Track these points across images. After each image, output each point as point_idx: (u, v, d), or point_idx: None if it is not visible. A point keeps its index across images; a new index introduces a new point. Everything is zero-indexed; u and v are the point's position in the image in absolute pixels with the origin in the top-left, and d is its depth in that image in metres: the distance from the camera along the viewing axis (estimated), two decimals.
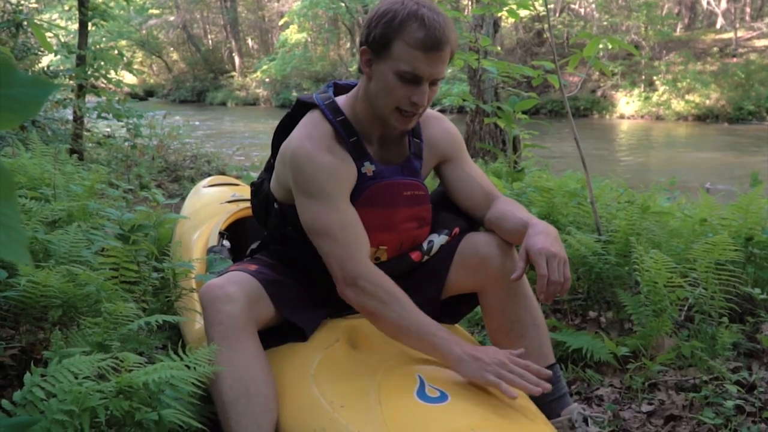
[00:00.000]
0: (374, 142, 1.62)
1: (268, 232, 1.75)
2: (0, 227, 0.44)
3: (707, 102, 18.63)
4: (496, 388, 1.36)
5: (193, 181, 5.95)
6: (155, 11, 29.98)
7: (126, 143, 6.41)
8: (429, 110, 1.76)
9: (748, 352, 2.21)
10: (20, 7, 6.01)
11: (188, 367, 1.35)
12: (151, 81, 33.62)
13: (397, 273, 1.67)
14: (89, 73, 5.93)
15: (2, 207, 0.45)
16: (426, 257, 1.68)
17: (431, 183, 1.92)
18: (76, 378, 1.26)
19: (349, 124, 1.58)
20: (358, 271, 1.47)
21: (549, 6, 3.13)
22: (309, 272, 1.65)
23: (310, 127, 1.57)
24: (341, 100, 1.62)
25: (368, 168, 1.58)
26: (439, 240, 1.68)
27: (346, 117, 1.58)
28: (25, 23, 5.67)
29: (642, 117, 19.32)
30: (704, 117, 18.41)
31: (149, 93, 30.38)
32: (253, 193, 1.80)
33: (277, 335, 1.56)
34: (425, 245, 1.68)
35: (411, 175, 1.63)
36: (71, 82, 6.03)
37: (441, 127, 1.72)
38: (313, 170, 1.50)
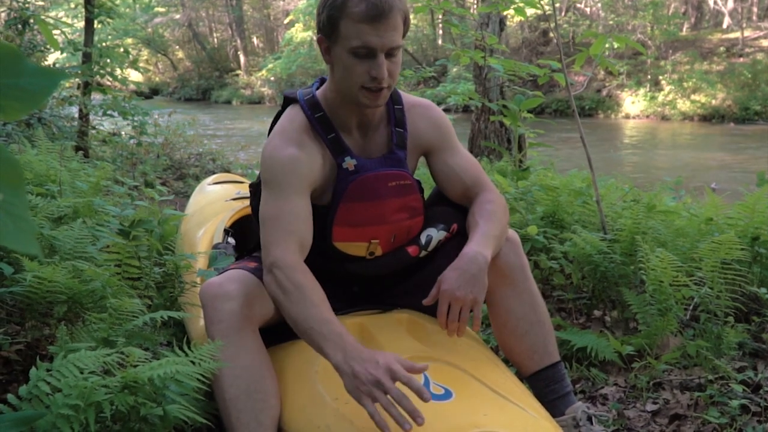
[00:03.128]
0: (354, 131, 1.59)
1: None
2: (8, 217, 0.44)
3: (713, 102, 18.54)
4: (370, 416, 1.23)
5: (198, 178, 5.97)
6: (161, 9, 29.99)
7: (131, 141, 6.42)
8: (416, 98, 1.72)
9: (754, 352, 2.21)
10: (27, 5, 6.02)
11: (193, 362, 1.36)
12: (157, 79, 33.64)
13: (397, 268, 1.66)
14: (95, 70, 5.95)
15: (10, 197, 0.44)
16: (424, 252, 1.66)
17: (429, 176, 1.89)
18: (82, 373, 1.27)
19: (327, 119, 1.56)
20: (274, 258, 1.42)
21: (555, 5, 3.12)
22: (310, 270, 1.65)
23: (285, 121, 1.57)
24: (319, 93, 1.60)
25: (349, 163, 1.56)
26: (437, 235, 1.66)
27: (324, 113, 1.56)
28: (32, 20, 5.69)
29: (647, 117, 19.24)
30: (710, 117, 18.31)
31: (154, 91, 30.34)
32: (252, 193, 1.77)
33: (281, 332, 1.56)
34: (423, 239, 1.65)
35: (395, 166, 1.60)
36: (77, 79, 6.05)
37: (426, 116, 1.67)
38: (272, 162, 1.51)
